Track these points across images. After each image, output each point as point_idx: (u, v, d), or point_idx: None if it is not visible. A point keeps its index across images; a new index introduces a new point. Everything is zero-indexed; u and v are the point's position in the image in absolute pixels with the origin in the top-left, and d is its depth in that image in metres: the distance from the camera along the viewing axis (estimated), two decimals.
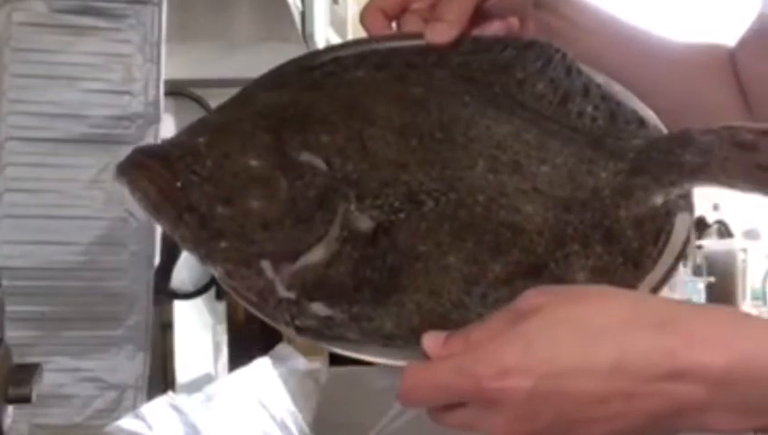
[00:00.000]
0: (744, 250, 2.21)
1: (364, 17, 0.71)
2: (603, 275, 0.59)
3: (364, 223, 0.59)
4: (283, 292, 0.58)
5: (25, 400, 0.53)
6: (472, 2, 0.69)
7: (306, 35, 1.52)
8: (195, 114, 1.19)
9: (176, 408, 0.82)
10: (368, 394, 1.29)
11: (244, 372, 1.11)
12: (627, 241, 0.60)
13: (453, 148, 0.62)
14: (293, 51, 1.74)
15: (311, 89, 0.65)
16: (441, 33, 0.67)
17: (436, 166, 0.61)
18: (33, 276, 0.73)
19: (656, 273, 0.60)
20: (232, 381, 1.06)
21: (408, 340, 0.57)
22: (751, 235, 2.24)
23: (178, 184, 0.59)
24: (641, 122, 0.64)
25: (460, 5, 0.68)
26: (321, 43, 1.67)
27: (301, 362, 1.30)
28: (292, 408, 1.20)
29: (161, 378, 0.99)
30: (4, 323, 0.53)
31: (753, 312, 2.23)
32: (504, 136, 0.63)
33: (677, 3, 2.44)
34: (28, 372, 0.54)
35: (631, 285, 0.58)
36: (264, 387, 1.13)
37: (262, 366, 1.17)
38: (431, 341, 0.54)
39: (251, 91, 0.67)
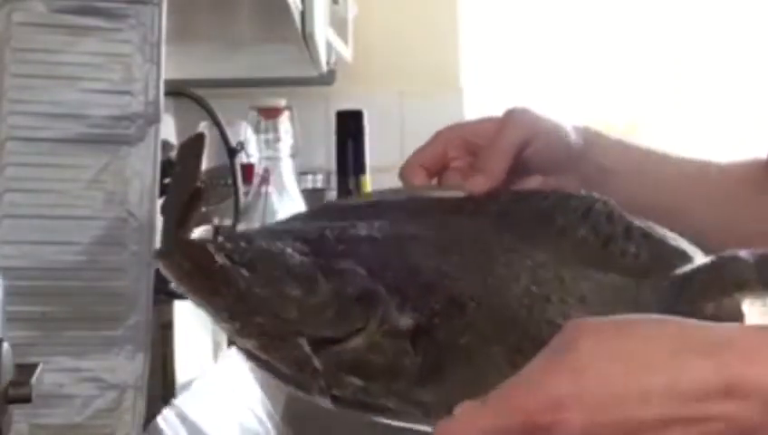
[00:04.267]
0: None
1: (405, 173, 0.72)
2: None
3: (404, 321, 0.59)
4: (319, 365, 0.58)
5: (25, 400, 0.53)
6: (510, 153, 0.70)
7: (306, 35, 1.52)
8: (195, 114, 1.19)
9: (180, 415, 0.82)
10: None
11: (217, 366, 1.10)
12: None
13: (493, 263, 0.62)
14: (293, 51, 1.74)
15: (347, 219, 0.66)
16: (480, 183, 0.68)
17: (478, 276, 0.61)
18: (33, 276, 0.73)
19: None
20: (209, 375, 1.06)
21: (449, 410, 0.55)
22: None
23: (216, 263, 0.59)
24: (685, 256, 0.63)
25: (499, 156, 0.70)
26: (320, 43, 1.67)
27: None
28: (264, 399, 1.20)
29: (161, 378, 0.99)
30: (5, 323, 0.53)
31: None
32: (545, 260, 0.63)
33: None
34: (28, 372, 0.53)
35: None
36: (235, 379, 1.13)
37: (231, 357, 1.17)
38: (467, 404, 0.51)
39: (280, 222, 0.68)
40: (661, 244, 0.64)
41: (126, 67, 0.75)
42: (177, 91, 1.10)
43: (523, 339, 0.59)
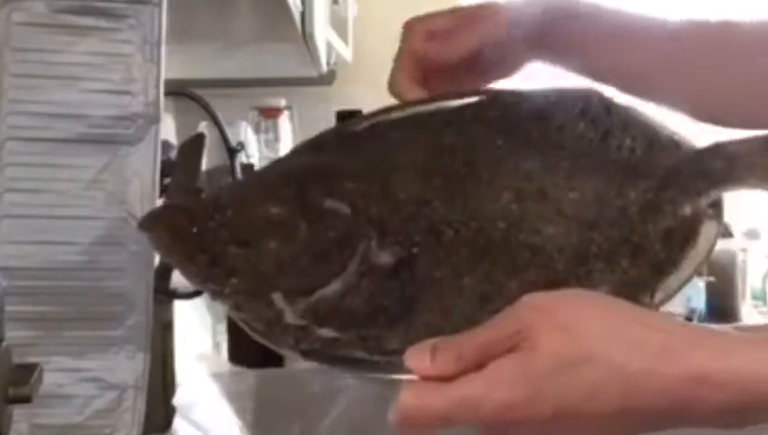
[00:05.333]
0: (744, 250, 2.21)
1: (396, 91, 0.72)
2: (625, 286, 0.58)
3: (384, 258, 0.59)
4: (291, 319, 0.58)
5: (25, 400, 0.53)
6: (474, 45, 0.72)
7: (306, 35, 1.52)
8: (195, 114, 1.19)
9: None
10: (301, 398, 1.29)
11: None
12: (654, 253, 0.60)
13: (477, 183, 0.62)
14: (293, 51, 1.74)
15: (342, 150, 0.65)
16: None
17: (459, 199, 0.61)
18: (33, 276, 0.73)
19: (674, 279, 0.60)
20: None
21: None
22: (751, 235, 2.24)
23: (194, 229, 0.59)
24: (676, 146, 0.64)
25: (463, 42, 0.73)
26: (321, 43, 1.68)
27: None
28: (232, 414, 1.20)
29: (161, 378, 0.99)
30: (5, 323, 0.53)
31: (753, 312, 2.22)
32: (532, 169, 0.63)
33: None
34: (28, 372, 0.54)
35: (649, 288, 0.58)
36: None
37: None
38: (417, 359, 0.52)
39: (283, 156, 0.68)
40: (655, 134, 0.64)
41: (126, 67, 0.75)
42: (177, 91, 1.10)
43: (494, 269, 0.59)
